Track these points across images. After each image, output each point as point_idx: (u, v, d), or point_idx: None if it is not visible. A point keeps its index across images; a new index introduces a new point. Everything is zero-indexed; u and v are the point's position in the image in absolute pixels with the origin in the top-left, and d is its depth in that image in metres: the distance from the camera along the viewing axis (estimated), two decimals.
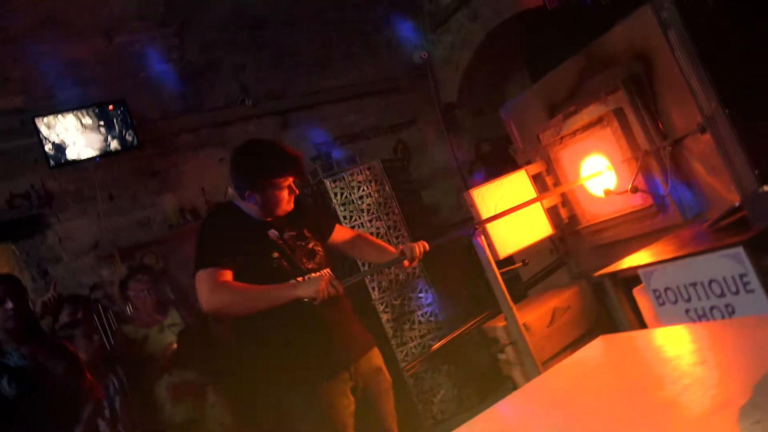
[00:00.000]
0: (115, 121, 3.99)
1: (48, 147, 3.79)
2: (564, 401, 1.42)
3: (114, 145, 3.99)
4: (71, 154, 3.86)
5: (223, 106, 4.58)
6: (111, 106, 3.96)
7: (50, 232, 3.97)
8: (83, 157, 3.90)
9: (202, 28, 4.32)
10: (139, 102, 4.14)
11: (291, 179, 2.31)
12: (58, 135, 3.81)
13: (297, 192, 2.35)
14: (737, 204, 2.17)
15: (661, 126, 2.80)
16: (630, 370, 1.47)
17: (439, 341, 4.29)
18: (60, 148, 3.83)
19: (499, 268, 2.88)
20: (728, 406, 1.01)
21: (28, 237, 3.90)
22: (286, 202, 2.33)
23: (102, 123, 3.96)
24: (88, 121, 3.91)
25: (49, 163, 3.81)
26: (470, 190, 3.01)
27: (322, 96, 4.96)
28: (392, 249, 2.58)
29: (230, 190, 4.26)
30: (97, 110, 3.95)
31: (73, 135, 3.86)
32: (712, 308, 1.98)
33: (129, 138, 4.02)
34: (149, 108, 4.27)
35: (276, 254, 2.29)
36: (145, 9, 4.05)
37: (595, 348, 1.73)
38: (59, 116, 3.84)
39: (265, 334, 2.27)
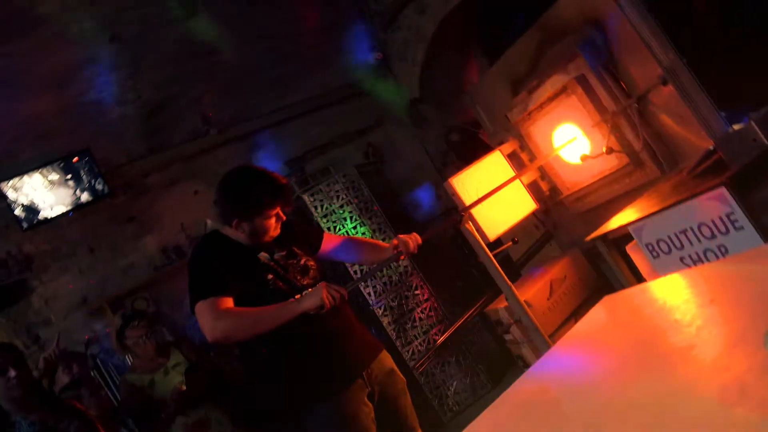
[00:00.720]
0: (81, 172, 3.93)
1: (18, 210, 3.72)
2: (581, 367, 1.43)
3: (85, 196, 3.93)
4: (43, 214, 3.79)
5: (189, 139, 4.54)
6: (75, 158, 3.90)
7: (35, 295, 3.89)
8: (55, 214, 3.84)
9: (153, 66, 4.28)
10: (104, 149, 4.09)
11: (279, 207, 2.29)
12: (26, 196, 3.74)
13: (284, 218, 2.34)
14: (711, 147, 2.21)
15: (624, 85, 2.83)
16: (641, 323, 1.48)
17: (443, 334, 4.30)
18: (31, 209, 3.76)
19: (490, 250, 2.90)
20: (748, 335, 1.03)
21: (13, 304, 3.82)
22: (273, 229, 2.31)
23: (69, 176, 3.89)
24: (54, 176, 3.85)
25: (21, 226, 3.74)
26: (450, 179, 3.02)
27: (285, 112, 4.94)
28: (384, 244, 2.58)
29: (209, 222, 4.25)
30: (62, 164, 3.89)
31: (42, 194, 3.80)
32: (705, 251, 2.01)
33: (99, 187, 3.96)
34: (115, 153, 4.22)
35: (270, 276, 2.27)
36: (92, 56, 4.00)
37: (601, 310, 1.74)
38: (24, 177, 3.77)
39: (274, 356, 2.25)
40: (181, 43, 4.34)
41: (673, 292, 1.53)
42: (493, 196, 2.90)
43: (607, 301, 1.76)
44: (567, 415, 1.18)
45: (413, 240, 2.48)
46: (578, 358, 1.49)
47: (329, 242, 2.60)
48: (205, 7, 4.46)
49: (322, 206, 4.35)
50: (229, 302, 2.13)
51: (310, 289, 2.29)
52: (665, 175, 2.75)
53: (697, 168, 2.29)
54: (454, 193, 3.05)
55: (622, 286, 2.74)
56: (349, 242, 2.66)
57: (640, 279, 2.36)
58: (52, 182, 3.85)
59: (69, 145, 3.96)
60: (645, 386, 1.11)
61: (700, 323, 1.22)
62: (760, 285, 1.23)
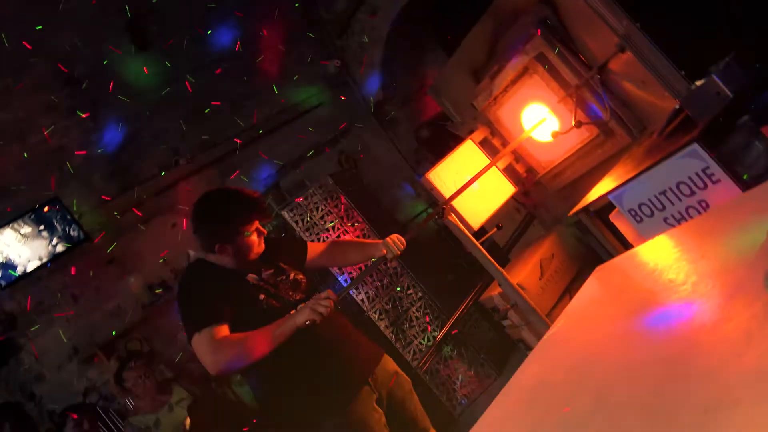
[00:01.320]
0: (54, 221, 3.86)
1: None
2: (585, 340, 1.43)
3: (61, 245, 3.85)
4: (20, 269, 3.71)
5: (159, 172, 4.47)
6: (46, 208, 3.83)
7: (24, 353, 3.80)
8: (33, 267, 3.75)
9: (112, 104, 4.22)
10: (74, 194, 4.02)
11: (257, 222, 2.27)
12: (1, 253, 3.66)
13: (265, 233, 2.32)
14: (677, 107, 2.23)
15: (583, 58, 2.86)
16: (636, 288, 1.49)
17: (441, 329, 4.29)
18: (7, 266, 3.67)
19: (476, 239, 2.91)
20: (745, 284, 1.03)
21: (3, 364, 3.72)
22: (257, 245, 2.29)
23: (42, 227, 3.82)
24: (27, 230, 3.77)
25: (0, 284, 3.65)
26: (426, 175, 3.02)
27: (252, 132, 4.90)
28: (370, 241, 2.57)
29: (191, 253, 4.19)
30: (33, 216, 3.81)
31: (17, 249, 3.72)
32: (687, 209, 2.03)
33: (74, 233, 3.89)
34: (85, 197, 4.14)
35: (262, 296, 2.25)
36: (49, 103, 3.94)
37: (595, 281, 1.75)
38: None
39: (277, 376, 2.23)
40: (136, 78, 4.29)
41: (662, 254, 1.54)
42: (472, 185, 2.91)
43: (600, 271, 1.77)
44: (579, 388, 1.17)
45: (397, 243, 2.48)
46: (580, 332, 1.49)
47: (315, 251, 2.58)
48: (155, 39, 4.42)
49: (303, 220, 4.32)
50: (224, 330, 2.10)
51: (303, 304, 2.28)
52: (636, 141, 2.78)
53: (666, 129, 2.32)
54: (433, 188, 3.05)
55: (611, 256, 2.77)
56: (334, 245, 2.65)
57: (627, 246, 2.38)
58: (25, 236, 3.77)
59: (37, 195, 3.88)
60: (651, 346, 1.11)
61: (695, 279, 1.23)
62: (748, 234, 1.24)
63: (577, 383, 1.20)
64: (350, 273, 4.27)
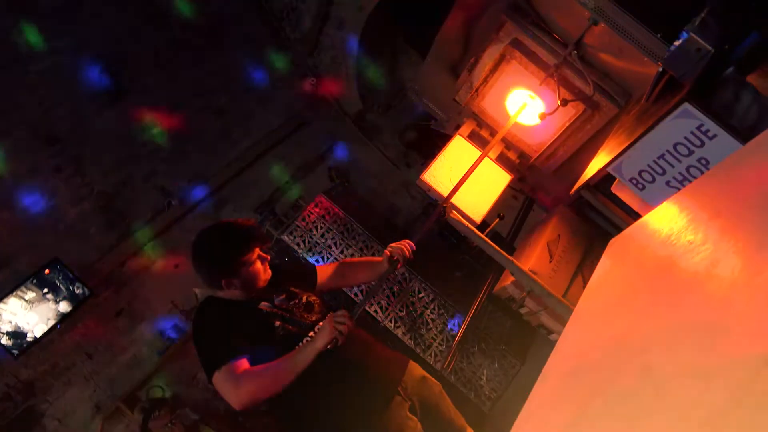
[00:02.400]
0: (57, 282, 3.82)
1: (4, 340, 3.59)
2: (615, 317, 1.41)
3: (67, 305, 3.81)
4: (30, 336, 3.67)
5: (154, 216, 4.45)
6: (47, 270, 3.79)
7: (46, 418, 3.76)
8: (43, 332, 3.71)
9: (96, 155, 4.21)
10: (72, 252, 3.98)
11: (257, 249, 2.25)
12: (9, 323, 3.61)
13: (268, 257, 2.30)
14: (660, 69, 2.23)
15: (557, 37, 2.86)
16: (656, 255, 1.47)
17: (459, 328, 4.27)
18: (17, 335, 3.63)
19: (481, 231, 2.90)
20: None
21: None
22: (263, 272, 2.27)
23: (46, 290, 3.78)
24: (31, 295, 3.73)
25: (12, 355, 3.61)
26: (421, 176, 3.01)
27: (240, 162, 4.89)
28: (378, 258, 2.56)
29: (198, 291, 4.17)
30: (34, 281, 3.77)
31: (24, 316, 3.68)
32: (688, 168, 2.02)
33: (78, 291, 3.86)
34: (84, 253, 4.11)
35: (278, 323, 2.23)
36: (31, 163, 3.92)
37: (612, 254, 1.73)
38: (0, 305, 3.64)
39: (306, 402, 2.20)
40: (117, 125, 4.28)
41: (674, 218, 1.52)
42: (468, 179, 2.90)
43: (614, 245, 1.76)
44: (620, 364, 1.16)
45: (406, 246, 2.47)
46: (607, 308, 1.47)
47: (324, 273, 2.57)
48: (131, 84, 4.42)
49: (303, 241, 4.31)
50: (244, 364, 2.08)
51: (320, 323, 2.27)
52: (624, 110, 2.78)
53: (653, 93, 2.32)
54: (430, 188, 3.04)
55: (618, 228, 2.76)
56: (343, 266, 2.63)
57: (634, 215, 2.37)
58: (30, 301, 3.73)
59: (36, 260, 3.85)
60: (685, 310, 1.10)
61: (715, 236, 1.22)
62: (760, 185, 1.23)
63: (617, 360, 1.18)
64: (359, 287, 4.25)
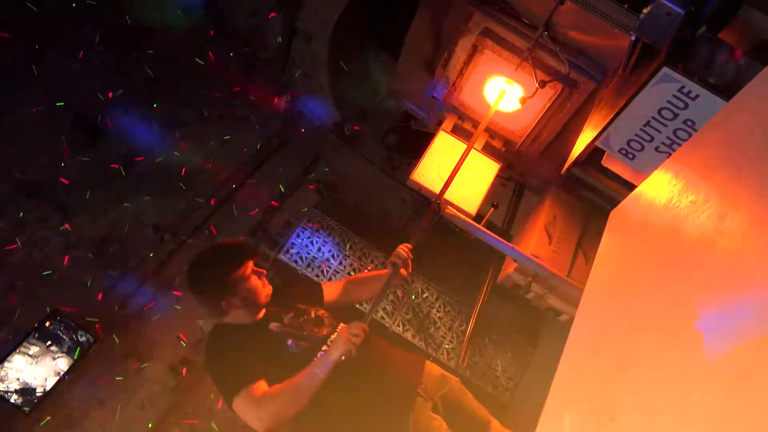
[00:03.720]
0: (59, 333, 3.78)
1: (14, 398, 3.55)
2: (628, 285, 1.41)
3: (73, 355, 3.78)
4: (40, 390, 3.62)
5: (148, 255, 4.41)
6: (48, 323, 3.75)
7: None
8: (52, 384, 3.67)
9: (81, 201, 4.18)
10: (71, 300, 3.94)
11: (250, 264, 2.24)
12: (16, 381, 3.57)
13: (264, 272, 2.29)
14: (633, 38, 2.25)
15: (527, 21, 2.88)
16: (661, 219, 1.47)
17: (468, 322, 4.27)
18: (26, 391, 3.59)
19: (477, 223, 2.90)
20: None
21: None
22: (262, 287, 2.26)
23: (49, 343, 3.74)
24: (35, 349, 3.69)
25: (24, 412, 3.57)
26: (411, 176, 3.01)
27: (224, 190, 4.85)
28: (383, 271, 2.55)
29: (201, 323, 4.14)
30: (36, 335, 3.73)
31: (30, 372, 3.63)
32: (675, 131, 2.04)
33: (83, 339, 3.82)
34: (83, 300, 4.06)
35: (290, 341, 2.22)
36: (17, 217, 3.88)
37: (615, 227, 1.74)
38: (5, 364, 3.60)
39: (329, 416, 2.19)
40: (98, 168, 4.26)
41: (671, 181, 1.53)
42: (458, 173, 2.90)
43: (615, 216, 1.77)
44: (641, 330, 1.16)
45: (404, 250, 2.47)
46: (620, 280, 1.48)
47: (331, 291, 2.56)
48: (106, 126, 4.40)
49: (301, 258, 4.29)
50: (262, 386, 2.06)
51: (333, 336, 2.26)
52: (602, 84, 2.79)
53: (630, 63, 2.33)
54: (421, 187, 3.04)
55: (611, 203, 2.77)
56: (350, 283, 2.63)
57: (628, 186, 2.39)
58: (34, 356, 3.68)
59: (34, 314, 3.81)
60: (700, 267, 1.09)
61: (717, 193, 1.22)
62: (755, 136, 1.24)
63: (639, 328, 1.18)
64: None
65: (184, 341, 4.11)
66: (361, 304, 4.17)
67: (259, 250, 4.25)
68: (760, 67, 1.97)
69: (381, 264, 4.40)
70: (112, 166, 4.39)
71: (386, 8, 4.23)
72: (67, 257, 4.06)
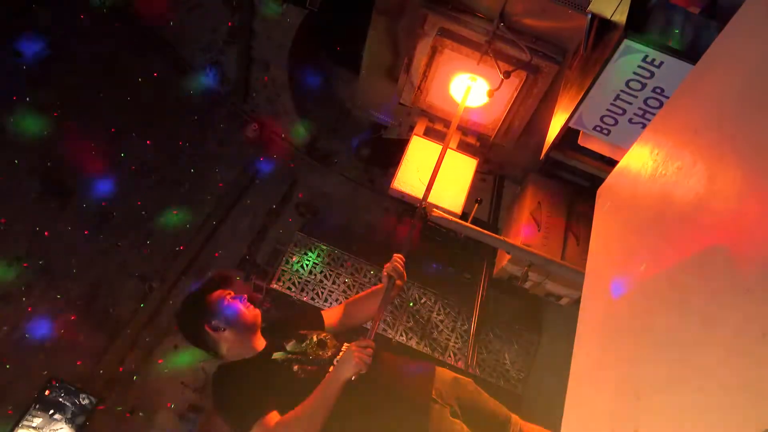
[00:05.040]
0: (61, 400, 3.70)
1: None
2: (628, 259, 1.41)
3: (78, 419, 3.69)
4: None
5: (139, 307, 4.34)
6: (47, 392, 3.66)
7: None
8: None
9: (63, 263, 4.11)
10: (68, 365, 3.87)
11: (226, 293, 2.25)
12: None
13: (245, 296, 2.30)
14: (589, 16, 2.26)
15: (481, 15, 2.89)
16: (651, 189, 1.46)
17: (470, 321, 4.26)
18: None
19: (464, 221, 2.89)
20: (753, 137, 1.02)
21: None
22: (245, 308, 2.27)
23: (52, 411, 3.65)
24: (38, 421, 3.60)
25: None
26: (392, 185, 3.00)
27: (206, 229, 4.80)
28: (378, 286, 2.53)
29: (204, 366, 4.08)
30: (37, 406, 3.64)
31: None
32: (646, 101, 2.05)
33: (85, 402, 3.74)
34: (80, 362, 3.99)
35: (296, 367, 2.20)
36: (5, 293, 3.82)
37: (605, 204, 1.74)
38: None
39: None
40: (73, 226, 4.19)
41: (653, 150, 1.52)
42: (438, 175, 2.89)
43: (602, 194, 1.76)
44: (652, 303, 1.15)
45: (397, 261, 2.46)
46: (618, 255, 1.47)
47: (331, 316, 2.53)
48: (75, 182, 4.33)
49: (294, 284, 4.25)
50: (275, 416, 2.04)
51: (339, 356, 2.24)
52: (565, 66, 2.82)
53: (589, 41, 2.35)
54: (403, 194, 3.03)
55: (593, 181, 2.78)
56: (350, 306, 2.60)
57: (609, 163, 2.39)
58: (39, 428, 3.59)
59: (32, 385, 3.73)
60: (699, 232, 1.09)
61: (703, 154, 1.22)
62: (728, 95, 1.24)
63: (650, 301, 1.17)
64: None
65: (188, 386, 4.05)
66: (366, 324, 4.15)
67: (233, 275, 4.22)
68: (716, 25, 2.00)
69: (374, 276, 4.38)
70: (85, 222, 4.32)
71: (340, 24, 4.23)
72: (57, 322, 3.98)
